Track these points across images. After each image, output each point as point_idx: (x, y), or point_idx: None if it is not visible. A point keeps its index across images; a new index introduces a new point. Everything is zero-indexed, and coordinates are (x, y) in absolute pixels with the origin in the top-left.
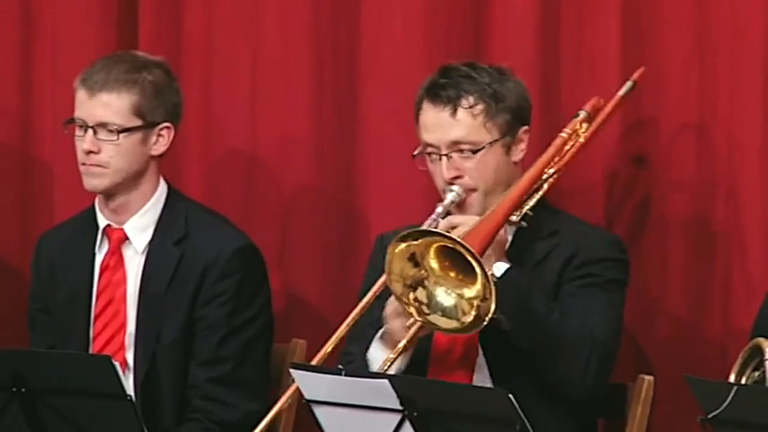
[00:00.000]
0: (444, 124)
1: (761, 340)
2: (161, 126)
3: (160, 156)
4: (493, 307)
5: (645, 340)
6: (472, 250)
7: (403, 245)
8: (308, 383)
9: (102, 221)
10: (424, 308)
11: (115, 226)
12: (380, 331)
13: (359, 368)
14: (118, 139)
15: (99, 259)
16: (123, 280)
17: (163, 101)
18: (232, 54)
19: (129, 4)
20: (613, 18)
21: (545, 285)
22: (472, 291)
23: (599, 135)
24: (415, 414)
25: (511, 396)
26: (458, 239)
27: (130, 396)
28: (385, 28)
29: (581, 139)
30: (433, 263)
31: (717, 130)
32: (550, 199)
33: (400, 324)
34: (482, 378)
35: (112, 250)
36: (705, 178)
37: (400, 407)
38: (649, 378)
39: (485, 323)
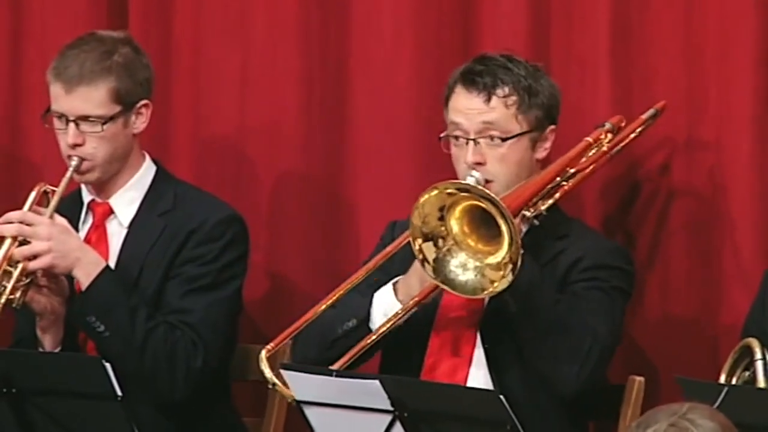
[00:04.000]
0: (477, 109)
1: (751, 340)
2: (140, 105)
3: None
4: (520, 263)
5: (636, 342)
6: (506, 210)
7: (440, 192)
8: (299, 384)
9: (87, 197)
10: (428, 266)
11: (99, 200)
12: (395, 278)
13: (341, 310)
14: (102, 130)
15: (82, 234)
16: (105, 254)
17: (137, 79)
18: (220, 56)
19: (118, 4)
20: (603, 19)
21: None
22: (497, 257)
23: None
24: (405, 415)
25: (502, 397)
26: (496, 198)
27: (121, 397)
28: (374, 29)
29: (604, 148)
30: (455, 225)
31: (706, 130)
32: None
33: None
34: (481, 374)
35: (95, 224)
36: (695, 180)
37: (390, 408)
38: (639, 379)
39: (513, 278)
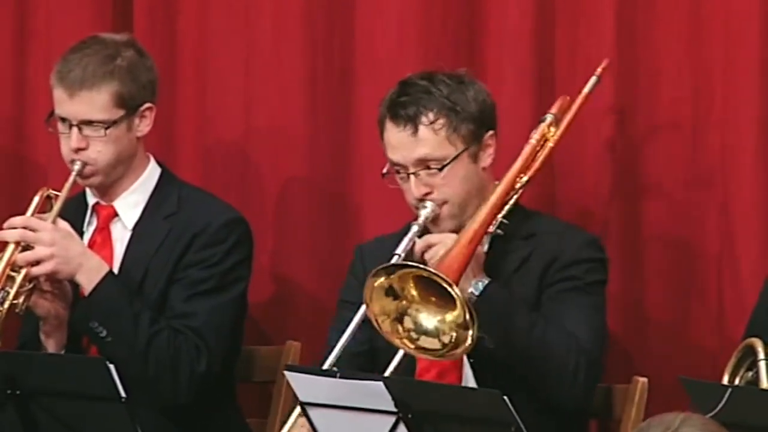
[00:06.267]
0: (407, 144)
1: (754, 340)
2: (143, 108)
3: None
4: (471, 333)
5: (639, 343)
6: (449, 280)
7: (379, 280)
8: (303, 385)
9: (91, 199)
10: (413, 334)
11: (104, 203)
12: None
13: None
14: (105, 134)
15: (87, 236)
16: (110, 256)
17: (141, 83)
18: (225, 58)
19: (123, 4)
20: (608, 20)
21: (526, 293)
22: (452, 315)
23: (590, 139)
24: (409, 416)
25: (505, 398)
26: (434, 270)
27: (125, 398)
28: (379, 30)
29: (551, 144)
30: (414, 291)
31: (711, 132)
32: (524, 202)
33: None
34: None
35: (100, 227)
36: (699, 179)
37: (394, 409)
38: (643, 379)
39: (466, 348)
